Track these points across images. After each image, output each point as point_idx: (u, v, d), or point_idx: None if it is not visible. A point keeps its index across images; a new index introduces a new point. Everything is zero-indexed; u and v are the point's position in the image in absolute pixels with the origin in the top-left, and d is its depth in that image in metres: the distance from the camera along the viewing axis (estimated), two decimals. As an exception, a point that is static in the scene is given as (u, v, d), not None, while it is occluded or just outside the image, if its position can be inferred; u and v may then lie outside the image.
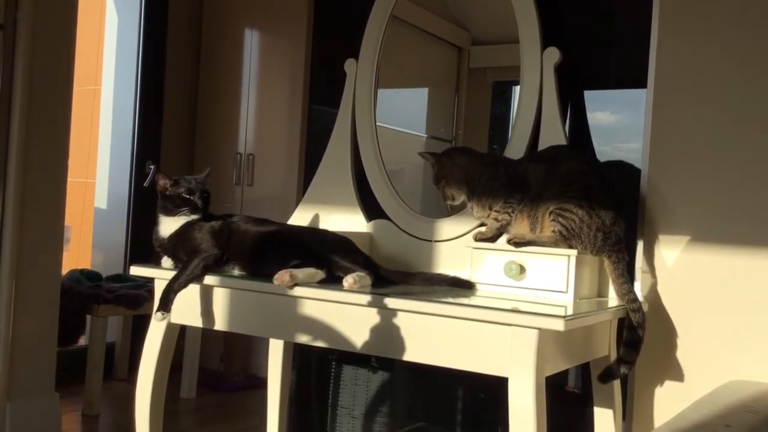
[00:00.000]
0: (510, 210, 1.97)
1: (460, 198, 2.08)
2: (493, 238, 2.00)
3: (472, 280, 1.98)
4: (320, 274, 1.89)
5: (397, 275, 2.01)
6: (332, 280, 1.89)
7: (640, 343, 1.84)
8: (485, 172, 2.03)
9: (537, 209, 1.94)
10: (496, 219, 1.99)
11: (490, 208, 2.00)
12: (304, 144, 3.91)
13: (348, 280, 1.82)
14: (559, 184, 1.91)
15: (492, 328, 1.61)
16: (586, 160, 2.00)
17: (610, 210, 1.87)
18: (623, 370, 1.86)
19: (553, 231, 1.89)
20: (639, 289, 1.98)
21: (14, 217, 2.84)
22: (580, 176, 1.92)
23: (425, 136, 2.88)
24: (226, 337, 3.89)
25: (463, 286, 1.96)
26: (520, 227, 1.97)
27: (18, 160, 2.83)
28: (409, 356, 1.73)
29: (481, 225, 2.08)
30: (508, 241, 1.95)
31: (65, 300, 3.32)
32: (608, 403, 2.01)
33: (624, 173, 2.16)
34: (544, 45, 2.14)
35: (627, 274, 1.88)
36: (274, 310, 1.91)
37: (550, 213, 1.90)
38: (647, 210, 2.02)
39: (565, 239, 1.87)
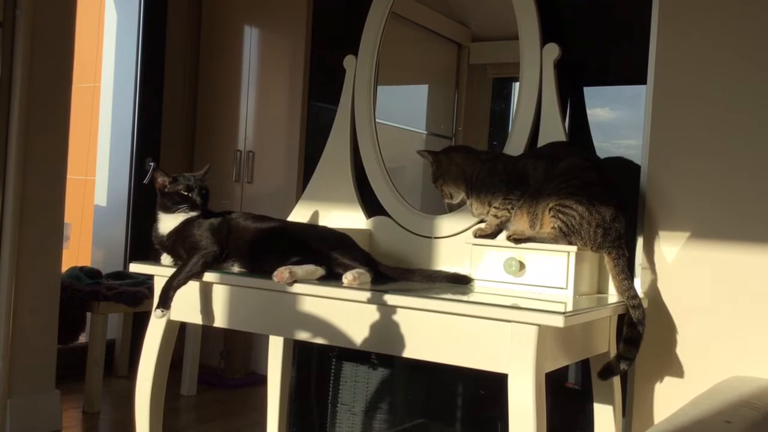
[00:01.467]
0: (510, 206, 1.97)
1: (459, 196, 2.08)
2: (492, 235, 2.00)
3: (472, 276, 1.98)
4: (320, 271, 1.89)
5: (396, 272, 2.00)
6: (332, 277, 1.88)
7: (639, 339, 1.84)
8: (484, 169, 2.03)
9: (537, 205, 1.93)
10: (495, 215, 1.99)
11: (490, 205, 2.00)
12: (304, 141, 3.91)
13: (347, 277, 1.82)
14: (558, 181, 1.91)
15: (492, 324, 1.61)
16: (585, 156, 2.00)
17: (610, 206, 1.87)
18: (623, 366, 1.86)
19: (553, 227, 1.88)
20: (639, 285, 1.98)
21: (14, 215, 2.84)
22: (580, 172, 1.92)
23: (425, 132, 2.87)
24: (226, 334, 3.89)
25: (462, 283, 1.96)
26: (520, 223, 1.97)
27: (18, 157, 2.83)
28: (408, 353, 1.73)
29: (481, 222, 2.07)
30: (508, 238, 1.95)
31: (65, 297, 3.33)
32: (608, 400, 2.01)
33: (624, 170, 2.15)
34: (544, 41, 2.14)
35: (627, 271, 1.88)
36: (274, 307, 1.91)
37: (550, 209, 1.90)
38: (647, 206, 2.02)
39: (565, 235, 1.87)
